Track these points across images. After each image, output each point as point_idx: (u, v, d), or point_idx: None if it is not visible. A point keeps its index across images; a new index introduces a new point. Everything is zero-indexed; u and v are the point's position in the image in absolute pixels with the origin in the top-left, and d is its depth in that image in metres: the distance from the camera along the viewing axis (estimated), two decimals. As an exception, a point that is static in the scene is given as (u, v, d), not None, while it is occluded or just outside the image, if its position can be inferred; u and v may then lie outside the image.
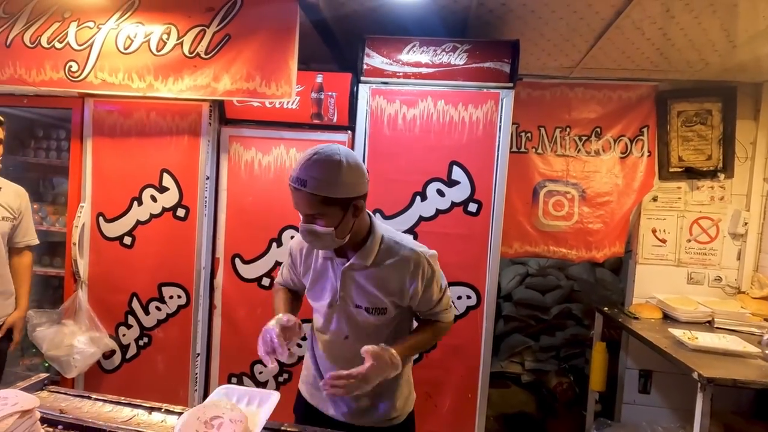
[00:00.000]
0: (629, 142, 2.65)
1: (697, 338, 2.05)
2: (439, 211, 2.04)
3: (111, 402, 1.24)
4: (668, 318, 2.48)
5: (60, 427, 1.10)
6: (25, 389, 1.19)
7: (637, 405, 2.72)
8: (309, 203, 1.11)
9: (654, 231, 2.69)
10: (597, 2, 1.92)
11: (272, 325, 1.23)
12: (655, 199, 2.67)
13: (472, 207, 2.02)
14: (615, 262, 3.70)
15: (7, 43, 2.05)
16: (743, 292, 2.58)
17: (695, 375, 1.71)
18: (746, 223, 2.56)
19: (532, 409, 3.40)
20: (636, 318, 2.47)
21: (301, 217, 1.16)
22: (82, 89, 2.06)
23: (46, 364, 2.33)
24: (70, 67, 2.02)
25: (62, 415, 1.14)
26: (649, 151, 2.64)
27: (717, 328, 2.32)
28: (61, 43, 2.02)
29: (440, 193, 2.03)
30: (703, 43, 2.18)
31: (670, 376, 2.61)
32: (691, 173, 2.63)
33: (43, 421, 1.08)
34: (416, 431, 1.44)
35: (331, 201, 1.10)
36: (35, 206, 2.52)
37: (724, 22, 2.00)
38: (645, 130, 2.64)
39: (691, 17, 1.98)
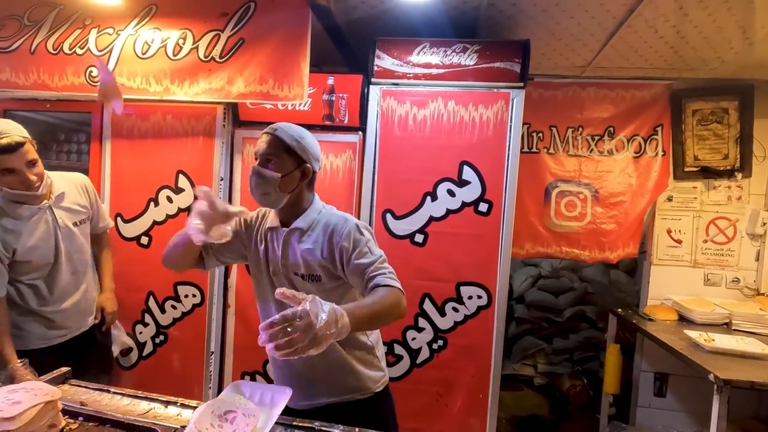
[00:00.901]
0: (643, 142, 2.62)
1: (713, 340, 2.01)
2: (449, 211, 2.05)
3: (129, 396, 1.28)
4: (684, 320, 2.44)
5: (80, 418, 1.13)
6: (49, 382, 1.23)
7: (653, 408, 2.67)
8: (271, 144, 1.24)
9: (669, 231, 2.65)
10: (608, 1, 1.91)
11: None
12: (670, 199, 2.63)
13: (483, 207, 2.02)
14: (630, 264, 3.64)
15: (32, 50, 2.13)
16: (762, 294, 2.52)
17: (711, 377, 1.68)
18: (765, 224, 2.50)
19: (545, 412, 3.37)
20: (651, 320, 2.43)
21: (257, 160, 1.26)
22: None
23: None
24: (91, 72, 2.09)
25: (83, 407, 1.18)
26: (663, 151, 2.60)
27: (735, 330, 2.28)
28: (82, 49, 2.09)
29: (451, 193, 2.04)
30: (719, 40, 2.15)
31: (686, 379, 2.57)
32: (708, 173, 2.59)
33: (65, 412, 1.12)
34: (427, 431, 1.43)
35: (289, 151, 1.24)
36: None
37: (740, 18, 1.97)
38: (659, 129, 2.61)
39: (705, 14, 1.95)
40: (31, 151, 1.55)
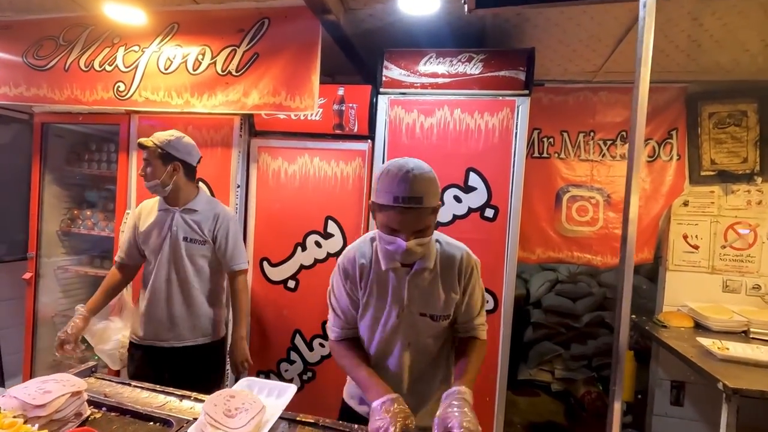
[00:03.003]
0: (657, 146, 2.59)
1: (728, 348, 1.97)
2: (456, 217, 2.09)
3: (148, 389, 1.38)
4: (700, 327, 2.39)
5: (104, 408, 1.24)
6: (77, 375, 1.34)
7: (669, 417, 2.62)
8: (422, 218, 1.14)
9: (685, 237, 2.60)
10: (614, 7, 1.91)
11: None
12: (686, 203, 2.59)
13: (489, 212, 2.06)
14: (651, 269, 3.56)
15: (66, 68, 2.30)
16: (785, 302, 2.45)
17: (720, 385, 1.66)
18: (788, 229, 2.43)
19: (561, 418, 3.34)
20: (664, 326, 2.40)
21: (400, 236, 1.14)
22: (128, 107, 2.27)
23: (96, 357, 2.55)
24: (118, 87, 2.24)
25: (106, 398, 1.28)
26: (678, 155, 2.57)
27: (752, 338, 2.22)
28: (110, 66, 2.24)
29: (457, 199, 2.08)
30: (732, 43, 2.12)
31: (704, 388, 2.51)
32: (725, 177, 2.53)
33: (90, 402, 1.23)
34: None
35: (435, 210, 1.18)
36: (88, 212, 2.78)
37: (752, 21, 1.94)
38: (674, 133, 2.57)
39: (714, 19, 1.94)
40: (149, 154, 1.83)
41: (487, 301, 2.07)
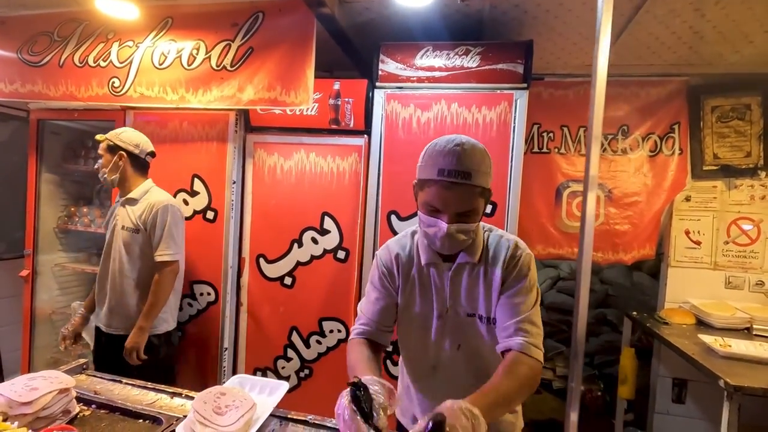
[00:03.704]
0: (659, 140, 2.55)
1: (730, 345, 1.94)
2: (453, 213, 2.06)
3: (138, 386, 1.36)
4: (702, 324, 2.35)
5: (93, 406, 1.22)
6: (67, 372, 1.33)
7: (671, 415, 2.59)
8: (468, 198, 1.00)
9: (687, 232, 2.56)
10: (614, -2, 1.88)
11: (345, 401, 0.88)
12: (688, 198, 2.55)
13: (487, 208, 2.02)
14: (654, 266, 3.53)
15: (61, 64, 2.28)
16: (789, 298, 2.41)
17: (721, 383, 1.63)
18: (792, 224, 2.39)
19: (563, 416, 3.30)
20: (666, 323, 2.37)
21: (440, 217, 1.01)
22: (123, 103, 2.26)
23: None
24: (113, 83, 2.22)
25: (96, 395, 1.27)
26: (680, 149, 2.53)
27: (755, 335, 2.18)
28: (105, 61, 2.23)
29: (454, 194, 2.05)
30: (735, 34, 2.08)
31: (707, 385, 2.47)
32: (728, 171, 2.49)
33: (80, 400, 1.21)
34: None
35: (484, 193, 1.04)
36: (85, 209, 2.78)
37: (757, 12, 1.90)
38: (676, 127, 2.53)
39: (718, 9, 1.90)
40: (101, 148, 1.98)
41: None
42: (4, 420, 0.90)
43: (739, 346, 1.94)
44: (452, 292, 1.12)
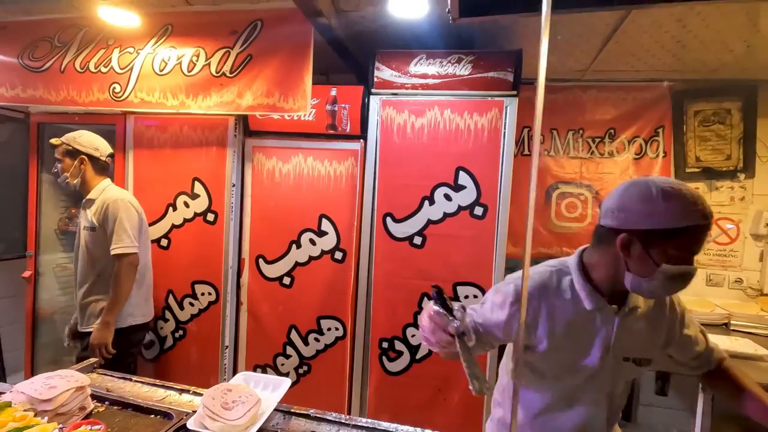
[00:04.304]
0: (644, 143, 2.65)
1: (708, 340, 2.04)
2: (446, 215, 2.14)
3: (148, 384, 1.43)
4: (683, 320, 2.46)
5: (107, 402, 1.29)
6: (79, 371, 1.40)
7: (655, 407, 2.71)
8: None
9: (670, 232, 2.67)
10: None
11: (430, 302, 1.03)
12: (671, 200, 2.65)
13: (478, 210, 2.11)
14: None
15: (62, 69, 2.32)
16: (765, 295, 2.52)
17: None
18: (768, 224, 2.50)
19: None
20: (649, 319, 2.47)
21: (689, 261, 0.96)
22: (124, 108, 2.31)
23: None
24: (114, 88, 2.27)
25: (108, 393, 1.34)
26: (664, 152, 2.63)
27: (733, 330, 2.30)
28: (106, 67, 2.27)
29: (447, 197, 2.13)
30: (716, 44, 2.17)
31: (686, 378, 2.57)
32: (710, 173, 2.60)
33: (93, 397, 1.28)
34: (426, 424, 1.26)
35: None
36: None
37: (735, 23, 1.99)
38: (660, 130, 2.63)
39: (699, 20, 1.98)
40: (59, 152, 2.06)
41: (476, 296, 2.14)
42: (35, 416, 0.97)
43: (715, 341, 2.04)
44: (618, 335, 1.09)
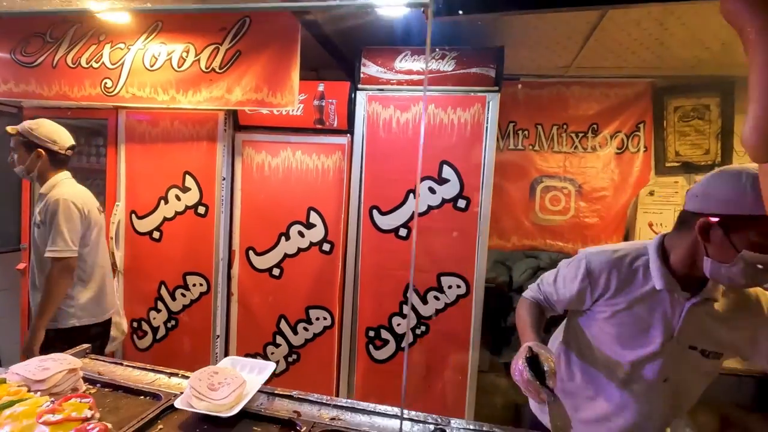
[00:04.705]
0: (625, 138, 2.72)
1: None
2: (430, 207, 2.21)
3: (138, 368, 1.50)
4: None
5: (98, 385, 1.35)
6: (73, 355, 1.45)
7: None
8: None
9: (651, 224, 2.75)
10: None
11: (522, 364, 1.04)
12: (651, 193, 2.73)
13: (461, 203, 2.18)
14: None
15: (54, 64, 2.36)
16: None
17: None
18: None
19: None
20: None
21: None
22: (115, 102, 2.34)
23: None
24: (105, 83, 2.31)
25: (100, 375, 1.40)
26: (645, 147, 2.70)
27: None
28: (97, 63, 2.31)
29: (431, 190, 2.20)
30: (693, 42, 2.24)
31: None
32: (689, 168, 2.67)
33: (85, 380, 1.34)
34: (410, 409, 1.33)
35: None
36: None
37: (710, 22, 2.05)
38: (641, 126, 2.70)
39: (674, 18, 2.05)
40: (15, 142, 1.97)
41: (459, 286, 2.21)
42: (28, 391, 1.03)
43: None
44: (685, 323, 1.09)
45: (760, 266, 0.95)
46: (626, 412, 1.18)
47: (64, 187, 1.97)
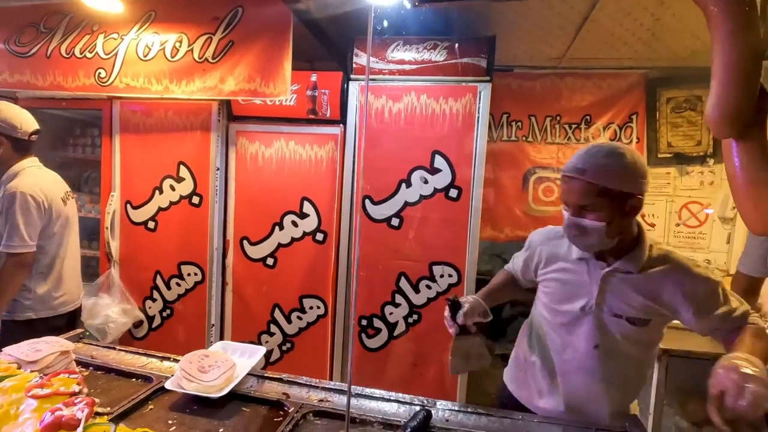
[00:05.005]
0: (618, 129, 2.73)
1: (670, 316, 2.15)
2: (422, 197, 2.22)
3: (131, 352, 1.52)
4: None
5: (91, 368, 1.38)
6: (67, 339, 1.48)
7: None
8: (583, 193, 1.08)
9: (643, 215, 2.76)
10: (569, -3, 2.02)
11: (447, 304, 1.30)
12: (643, 184, 2.74)
13: (453, 193, 2.19)
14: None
15: (48, 54, 2.37)
16: (732, 275, 2.63)
17: (654, 347, 1.83)
18: (735, 207, 2.59)
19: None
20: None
21: (567, 210, 1.14)
22: (109, 93, 2.36)
23: (88, 333, 2.69)
24: (99, 73, 2.32)
25: (93, 359, 1.42)
26: (638, 138, 2.71)
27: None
28: (91, 53, 2.32)
29: (423, 180, 2.21)
30: (683, 32, 2.24)
31: (656, 355, 2.70)
32: (681, 159, 2.69)
33: (78, 363, 1.37)
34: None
35: (608, 193, 1.06)
36: (74, 195, 2.88)
37: (699, 13, 2.05)
38: (634, 117, 2.71)
39: (663, 8, 2.05)
40: None
41: (450, 275, 2.23)
42: (19, 368, 1.05)
43: (677, 317, 2.15)
44: (601, 290, 1.17)
45: (566, 224, 1.16)
46: (565, 381, 1.27)
47: (25, 177, 1.88)
